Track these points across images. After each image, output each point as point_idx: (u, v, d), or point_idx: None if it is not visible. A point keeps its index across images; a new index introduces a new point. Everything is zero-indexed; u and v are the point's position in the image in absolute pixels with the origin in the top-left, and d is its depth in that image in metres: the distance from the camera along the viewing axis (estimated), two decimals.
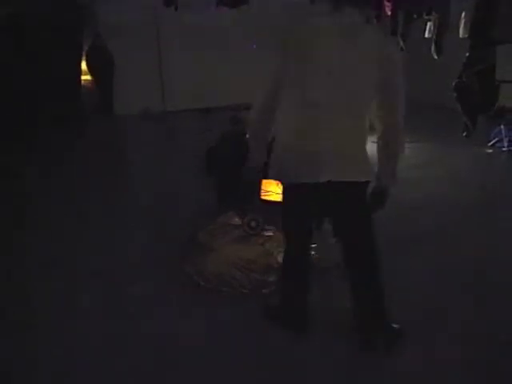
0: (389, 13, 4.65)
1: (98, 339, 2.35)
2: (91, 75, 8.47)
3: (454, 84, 4.03)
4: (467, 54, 3.82)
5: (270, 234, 2.95)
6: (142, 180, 5.18)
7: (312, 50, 1.82)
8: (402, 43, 4.77)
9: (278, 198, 3.69)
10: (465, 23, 3.93)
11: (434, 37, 4.40)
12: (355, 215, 2.05)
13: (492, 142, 6.02)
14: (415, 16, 4.58)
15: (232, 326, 2.43)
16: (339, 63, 1.80)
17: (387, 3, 4.64)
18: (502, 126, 5.92)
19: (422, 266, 3.07)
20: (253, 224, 2.89)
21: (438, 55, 4.44)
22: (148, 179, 5.11)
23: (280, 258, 2.78)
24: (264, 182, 3.67)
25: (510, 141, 5.86)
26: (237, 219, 3.15)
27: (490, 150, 5.92)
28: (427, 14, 4.42)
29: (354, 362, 2.16)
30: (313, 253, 3.03)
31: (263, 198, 3.72)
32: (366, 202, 2.04)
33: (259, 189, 3.71)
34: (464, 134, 4.38)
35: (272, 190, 3.67)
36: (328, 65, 1.81)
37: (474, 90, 3.88)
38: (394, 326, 2.22)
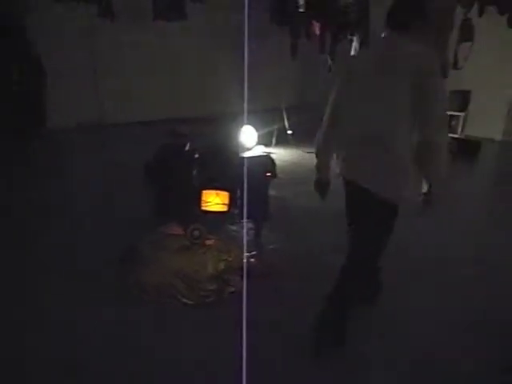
0: (317, 32, 5.01)
1: (36, 350, 2.30)
2: (24, 86, 8.06)
3: None
4: None
5: (211, 243, 3.05)
6: (79, 193, 5.04)
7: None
8: (329, 61, 5.16)
9: (218, 207, 3.83)
10: None
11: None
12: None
13: None
14: (341, 36, 4.99)
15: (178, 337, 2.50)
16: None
17: (316, 24, 5.01)
18: None
19: None
20: (196, 233, 2.97)
21: None
22: (85, 192, 4.99)
23: (221, 266, 2.90)
24: (204, 192, 3.77)
25: None
26: (178, 229, 3.22)
27: None
28: (351, 35, 4.83)
29: None
30: (251, 259, 3.20)
31: (203, 208, 3.81)
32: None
33: (200, 200, 3.81)
34: None
35: (212, 201, 3.78)
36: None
37: None
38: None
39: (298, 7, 5.22)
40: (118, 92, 8.23)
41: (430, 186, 2.18)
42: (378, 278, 2.72)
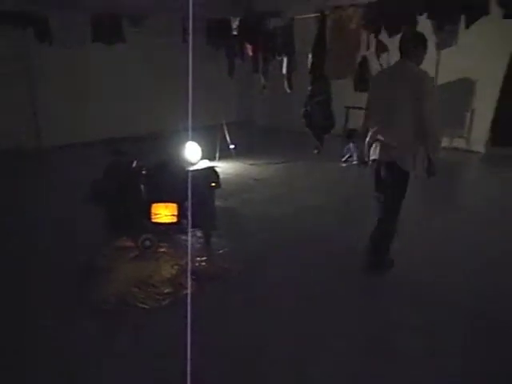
0: (250, 53, 5.45)
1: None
2: None
3: (301, 112, 4.96)
4: (309, 88, 4.81)
5: (164, 250, 3.28)
6: (26, 218, 5.02)
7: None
8: (263, 80, 5.63)
9: (167, 219, 4.05)
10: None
11: (286, 74, 5.32)
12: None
13: (345, 158, 7.24)
14: (271, 57, 5.46)
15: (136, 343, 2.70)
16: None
17: (249, 46, 5.45)
18: (351, 144, 7.18)
19: (294, 263, 3.71)
20: (147, 243, 3.19)
21: (289, 89, 5.37)
22: (32, 216, 4.99)
23: (174, 271, 3.15)
24: (153, 205, 3.98)
25: (357, 156, 7.12)
26: (130, 242, 3.42)
27: (344, 164, 7.13)
28: (279, 55, 5.31)
29: None
30: (203, 263, 3.47)
31: (154, 220, 4.01)
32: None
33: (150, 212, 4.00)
34: (315, 152, 5.34)
35: (161, 213, 3.99)
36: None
37: (317, 116, 4.85)
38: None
39: (231, 31, 5.66)
40: (58, 113, 8.19)
41: (429, 161, 3.12)
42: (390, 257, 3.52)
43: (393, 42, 4.33)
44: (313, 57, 4.72)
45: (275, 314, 2.94)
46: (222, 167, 7.03)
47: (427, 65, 3.41)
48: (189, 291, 2.80)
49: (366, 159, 3.37)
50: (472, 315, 2.95)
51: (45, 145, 8.27)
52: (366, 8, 3.99)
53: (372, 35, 4.38)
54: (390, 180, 3.19)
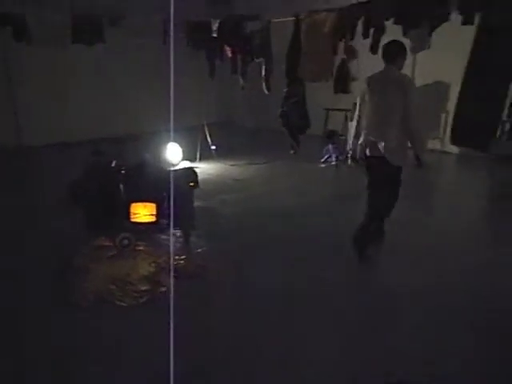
0: (230, 55, 5.54)
1: None
2: None
3: (278, 112, 5.09)
4: (285, 90, 4.94)
5: (141, 248, 3.34)
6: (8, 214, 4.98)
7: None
8: (241, 81, 5.73)
9: (146, 218, 4.12)
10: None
11: (264, 76, 5.43)
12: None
13: (324, 159, 7.38)
14: (249, 59, 5.55)
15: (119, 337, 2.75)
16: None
17: (228, 48, 5.54)
18: (330, 146, 7.33)
19: (273, 261, 3.80)
20: (125, 242, 3.24)
21: (267, 90, 5.49)
22: (12, 216, 4.95)
23: (151, 269, 3.20)
24: (132, 205, 4.03)
25: (336, 157, 7.27)
26: (108, 242, 3.46)
27: (323, 165, 7.27)
28: (257, 58, 5.40)
29: None
30: (182, 262, 3.53)
31: (133, 220, 4.07)
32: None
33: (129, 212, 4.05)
34: (292, 152, 5.46)
35: (140, 212, 4.05)
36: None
37: (293, 117, 4.99)
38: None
39: (211, 33, 5.73)
40: (38, 113, 8.13)
41: (417, 157, 3.52)
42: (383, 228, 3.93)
43: (365, 46, 4.52)
44: (288, 60, 4.85)
45: (253, 312, 3.02)
46: (203, 168, 7.09)
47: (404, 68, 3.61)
48: (171, 288, 2.86)
49: (361, 157, 3.63)
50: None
51: (25, 144, 8.19)
52: (337, 13, 4.12)
53: (343, 40, 4.53)
54: (383, 176, 3.52)
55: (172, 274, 3.14)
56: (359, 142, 3.63)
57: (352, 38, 4.57)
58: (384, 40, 3.71)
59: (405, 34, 3.93)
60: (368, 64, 5.86)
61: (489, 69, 2.76)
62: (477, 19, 3.15)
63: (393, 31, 4.17)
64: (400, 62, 3.47)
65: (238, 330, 2.81)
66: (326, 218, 4.94)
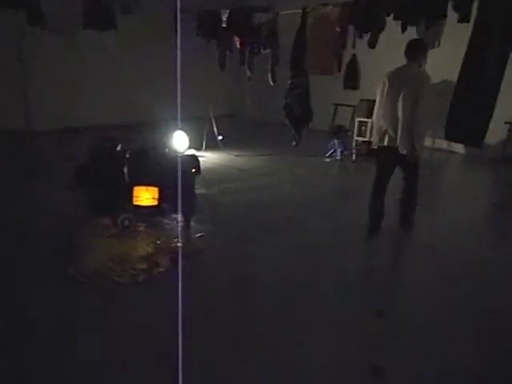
0: (238, 46, 5.59)
1: None
2: None
3: (282, 104, 5.15)
4: (288, 81, 5.01)
5: (141, 229, 3.43)
6: (15, 196, 5.11)
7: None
8: (248, 72, 5.78)
9: (148, 202, 4.21)
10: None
11: (270, 67, 5.48)
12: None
13: (329, 153, 7.41)
14: (257, 50, 5.61)
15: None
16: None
17: (236, 38, 5.59)
18: (335, 141, 7.36)
19: (279, 247, 3.88)
20: (126, 222, 3.33)
21: (272, 82, 5.54)
22: (21, 194, 5.09)
23: (150, 249, 3.30)
24: (135, 188, 4.12)
25: (341, 152, 7.30)
26: (109, 221, 3.55)
27: (328, 160, 7.31)
28: (264, 49, 5.46)
29: None
30: (179, 244, 3.62)
31: (135, 203, 4.16)
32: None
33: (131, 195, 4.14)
34: (294, 143, 5.53)
35: (142, 196, 4.14)
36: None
37: (296, 109, 5.04)
38: None
39: (221, 23, 5.79)
40: (48, 99, 8.25)
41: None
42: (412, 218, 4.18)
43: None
44: (293, 52, 4.90)
45: (249, 291, 3.11)
46: (208, 157, 7.18)
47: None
48: (179, 267, 2.96)
49: (376, 146, 3.96)
50: None
51: (35, 129, 8.34)
52: (342, 7, 4.16)
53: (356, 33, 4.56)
54: (392, 162, 3.89)
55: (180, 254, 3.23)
56: (376, 132, 3.94)
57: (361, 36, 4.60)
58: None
59: (403, 31, 3.96)
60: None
61: (482, 66, 2.79)
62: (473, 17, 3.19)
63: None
64: (421, 60, 3.70)
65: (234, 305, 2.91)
66: (324, 209, 5.01)
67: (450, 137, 3.07)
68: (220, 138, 7.80)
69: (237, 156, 7.39)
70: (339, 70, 5.30)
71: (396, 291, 3.36)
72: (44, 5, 6.57)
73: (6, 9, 6.54)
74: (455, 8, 3.36)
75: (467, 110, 2.79)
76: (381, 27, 4.10)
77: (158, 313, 2.73)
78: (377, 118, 3.91)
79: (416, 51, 3.65)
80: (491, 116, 2.75)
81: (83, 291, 2.98)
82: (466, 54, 2.92)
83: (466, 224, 4.67)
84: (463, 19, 3.31)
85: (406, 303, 3.14)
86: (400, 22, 3.93)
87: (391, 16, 3.86)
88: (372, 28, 4.12)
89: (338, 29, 4.32)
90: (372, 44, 4.14)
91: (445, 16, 3.57)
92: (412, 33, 4.44)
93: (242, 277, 3.32)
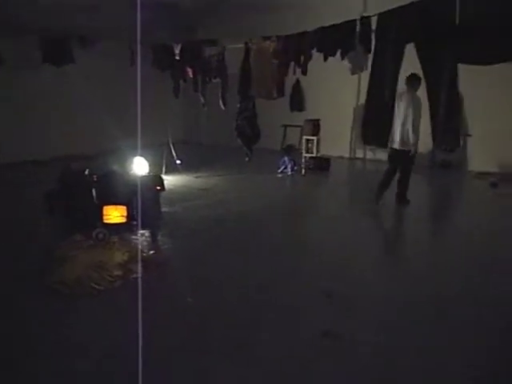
0: (191, 76, 6.18)
1: None
2: None
3: (234, 126, 5.81)
4: (238, 105, 5.66)
5: (115, 240, 3.82)
6: None
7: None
8: (202, 99, 6.38)
9: (117, 219, 4.58)
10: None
11: (220, 94, 6.12)
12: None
13: (281, 169, 8.09)
14: (208, 79, 6.23)
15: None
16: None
17: (189, 69, 6.18)
18: (286, 158, 8.06)
19: (234, 254, 4.35)
20: (100, 236, 3.72)
21: (223, 106, 6.17)
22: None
23: (124, 257, 3.69)
24: (105, 208, 4.48)
25: (291, 167, 8.00)
26: (83, 237, 3.91)
27: (280, 175, 7.97)
28: (214, 78, 6.10)
29: None
30: (150, 253, 4.03)
31: (105, 221, 4.50)
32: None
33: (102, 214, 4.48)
34: (246, 160, 6.15)
35: (112, 214, 4.50)
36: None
37: (246, 129, 5.71)
38: None
39: (174, 56, 6.37)
40: (11, 131, 8.39)
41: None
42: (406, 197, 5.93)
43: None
44: (239, 80, 5.57)
45: (208, 289, 3.56)
46: (169, 180, 7.55)
47: None
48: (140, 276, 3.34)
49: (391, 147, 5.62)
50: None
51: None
52: (276, 42, 4.89)
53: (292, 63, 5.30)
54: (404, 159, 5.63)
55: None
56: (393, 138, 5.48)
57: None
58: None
59: (325, 59, 4.73)
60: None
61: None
62: None
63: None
64: (417, 87, 5.21)
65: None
66: (277, 217, 5.59)
67: (365, 141, 3.70)
68: (178, 162, 8.24)
69: (196, 177, 7.86)
70: (282, 95, 5.98)
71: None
72: (1, 43, 6.86)
73: None
74: (360, 42, 4.14)
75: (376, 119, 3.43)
76: (308, 57, 4.84)
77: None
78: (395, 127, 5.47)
79: (415, 82, 5.14)
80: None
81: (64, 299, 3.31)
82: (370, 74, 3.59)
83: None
84: (366, 50, 4.09)
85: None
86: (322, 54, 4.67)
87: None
88: (300, 58, 4.85)
89: (274, 60, 5.02)
90: (303, 71, 4.87)
91: (354, 48, 4.36)
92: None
93: (201, 279, 3.76)
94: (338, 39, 4.39)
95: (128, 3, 1.77)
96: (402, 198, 5.85)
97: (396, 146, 5.49)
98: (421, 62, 3.17)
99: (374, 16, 3.69)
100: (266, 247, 4.54)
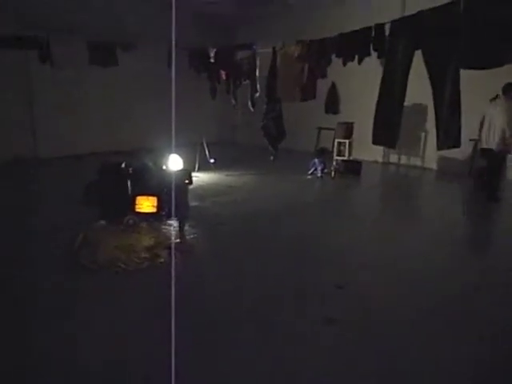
0: (224, 78, 6.49)
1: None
2: None
3: (260, 126, 6.05)
4: (264, 107, 5.89)
5: (144, 226, 4.14)
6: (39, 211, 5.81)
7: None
8: (233, 101, 6.67)
9: (148, 209, 4.93)
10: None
11: (249, 96, 6.38)
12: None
13: (311, 171, 8.23)
14: (239, 82, 6.52)
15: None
16: None
17: (223, 72, 6.50)
18: (316, 160, 8.19)
19: (259, 249, 4.58)
20: (130, 222, 4.05)
21: (252, 108, 6.43)
22: (42, 210, 5.79)
23: (151, 242, 3.99)
24: (137, 198, 4.85)
25: (321, 169, 8.12)
26: (116, 224, 4.26)
27: (310, 177, 8.12)
28: (245, 81, 6.37)
29: None
30: (177, 240, 4.32)
31: (137, 210, 4.87)
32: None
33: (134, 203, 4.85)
34: (271, 158, 6.36)
35: (143, 204, 4.86)
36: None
37: (271, 129, 5.93)
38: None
39: (209, 59, 6.71)
40: (52, 129, 9.09)
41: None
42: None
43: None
44: (267, 82, 5.82)
45: (231, 279, 3.80)
46: (201, 177, 7.94)
47: None
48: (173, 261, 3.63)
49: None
50: None
51: (41, 156, 9.13)
52: (301, 47, 5.09)
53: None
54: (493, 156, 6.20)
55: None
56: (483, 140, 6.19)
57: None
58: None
59: (344, 64, 4.94)
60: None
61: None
62: None
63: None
64: (510, 95, 5.84)
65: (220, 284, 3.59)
66: (301, 216, 5.76)
67: (374, 142, 3.80)
68: (212, 160, 8.58)
69: (227, 175, 8.16)
70: (313, 98, 6.13)
71: None
72: (53, 44, 7.47)
73: (18, 47, 7.44)
74: (374, 49, 4.27)
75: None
76: (327, 62, 5.02)
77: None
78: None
79: (508, 90, 5.81)
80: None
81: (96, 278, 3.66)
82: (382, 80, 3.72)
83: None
84: (380, 56, 4.21)
85: None
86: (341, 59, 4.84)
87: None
88: (320, 62, 5.03)
89: (298, 64, 5.23)
90: (323, 75, 5.05)
91: (369, 54, 4.48)
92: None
93: (223, 271, 4.00)
94: (354, 45, 4.56)
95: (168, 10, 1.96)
96: (489, 196, 6.40)
97: (484, 145, 6.23)
98: (426, 67, 3.27)
99: (387, 23, 3.83)
100: (283, 242, 4.72)
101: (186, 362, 2.13)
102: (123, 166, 5.09)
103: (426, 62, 3.35)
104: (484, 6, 2.97)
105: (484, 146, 6.23)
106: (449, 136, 3.38)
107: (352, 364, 2.64)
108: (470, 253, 4.85)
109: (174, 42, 2.06)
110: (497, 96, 6.15)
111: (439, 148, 3.55)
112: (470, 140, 8.32)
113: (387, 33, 3.76)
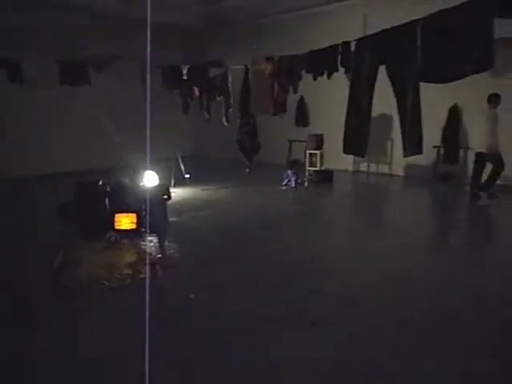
0: (197, 94, 6.66)
1: None
2: None
3: (235, 140, 6.25)
4: (238, 121, 6.10)
5: (125, 242, 4.19)
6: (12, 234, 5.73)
7: None
8: (206, 115, 6.85)
9: (128, 226, 4.98)
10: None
11: (224, 111, 6.58)
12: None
13: (284, 182, 8.45)
14: (212, 97, 6.71)
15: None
16: None
17: (196, 88, 6.67)
18: (289, 171, 8.43)
19: (238, 259, 4.69)
20: (112, 238, 4.09)
21: (226, 123, 6.63)
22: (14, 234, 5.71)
23: (134, 258, 4.05)
24: (116, 215, 4.89)
25: (295, 180, 8.36)
26: (96, 242, 4.30)
27: (284, 187, 8.33)
28: (218, 97, 6.57)
29: None
30: (158, 256, 4.39)
31: (117, 227, 4.91)
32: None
33: (113, 221, 4.89)
34: (246, 170, 6.55)
35: (123, 221, 4.91)
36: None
37: (246, 143, 6.13)
38: None
39: (182, 76, 6.87)
40: (25, 148, 8.97)
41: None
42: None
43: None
44: (240, 98, 6.03)
45: (214, 291, 3.90)
46: (177, 192, 7.99)
47: None
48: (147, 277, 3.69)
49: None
50: None
51: (16, 176, 8.98)
52: (271, 64, 5.34)
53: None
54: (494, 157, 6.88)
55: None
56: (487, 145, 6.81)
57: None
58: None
59: (315, 79, 5.23)
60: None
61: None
62: None
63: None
64: (496, 104, 6.63)
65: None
66: (276, 226, 5.93)
67: (345, 151, 4.04)
68: (187, 176, 8.66)
69: (202, 190, 8.26)
70: (283, 112, 6.36)
71: None
72: (23, 64, 7.45)
73: None
74: (341, 65, 4.58)
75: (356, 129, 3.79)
76: (298, 78, 5.28)
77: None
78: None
79: (494, 99, 6.54)
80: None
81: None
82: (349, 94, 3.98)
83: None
84: (347, 71, 4.52)
85: None
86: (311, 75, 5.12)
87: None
88: (292, 78, 5.29)
89: (269, 80, 5.47)
90: (295, 90, 5.30)
91: (337, 69, 4.78)
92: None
93: (206, 283, 4.10)
94: (323, 61, 4.84)
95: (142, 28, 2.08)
96: (474, 193, 7.09)
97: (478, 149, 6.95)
98: (390, 81, 3.54)
99: (353, 41, 4.11)
100: (266, 250, 4.86)
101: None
102: (100, 183, 5.14)
103: (390, 76, 3.62)
104: (441, 25, 3.26)
105: (478, 150, 6.99)
106: (412, 144, 3.64)
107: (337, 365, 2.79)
108: (435, 251, 5.13)
109: (149, 60, 2.16)
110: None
111: (405, 155, 3.79)
112: (434, 147, 8.83)
113: (353, 49, 4.03)
